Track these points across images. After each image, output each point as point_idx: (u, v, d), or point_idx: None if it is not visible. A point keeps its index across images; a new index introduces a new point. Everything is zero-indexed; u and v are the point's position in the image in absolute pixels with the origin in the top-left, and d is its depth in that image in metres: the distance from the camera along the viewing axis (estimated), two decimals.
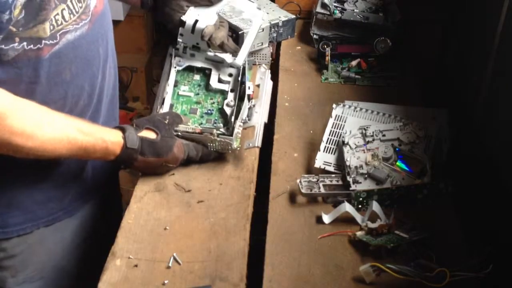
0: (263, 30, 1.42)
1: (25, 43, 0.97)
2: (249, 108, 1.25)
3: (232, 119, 1.19)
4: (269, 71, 1.34)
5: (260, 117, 1.26)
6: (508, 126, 1.23)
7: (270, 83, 1.34)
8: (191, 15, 1.26)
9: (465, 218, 1.11)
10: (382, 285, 0.94)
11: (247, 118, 1.24)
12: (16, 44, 0.96)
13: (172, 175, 1.17)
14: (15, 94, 0.97)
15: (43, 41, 0.99)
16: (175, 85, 1.28)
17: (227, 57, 1.26)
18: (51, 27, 0.99)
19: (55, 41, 1.01)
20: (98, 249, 1.08)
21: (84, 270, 1.25)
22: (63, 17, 1.01)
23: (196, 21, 1.24)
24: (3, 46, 0.95)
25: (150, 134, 1.12)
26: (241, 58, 1.26)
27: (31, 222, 1.15)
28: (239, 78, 1.24)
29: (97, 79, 1.15)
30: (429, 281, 0.92)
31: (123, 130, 1.09)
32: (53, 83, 1.04)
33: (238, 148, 1.19)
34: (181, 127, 1.20)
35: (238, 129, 1.18)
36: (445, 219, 1.09)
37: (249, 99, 1.24)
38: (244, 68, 1.25)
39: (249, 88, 1.24)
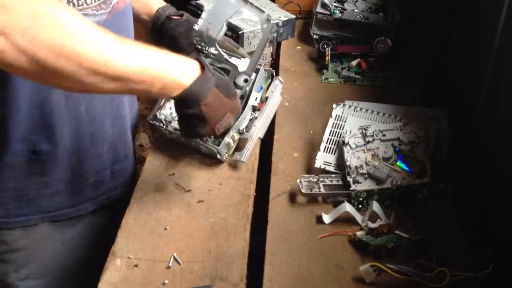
0: None
1: None
2: (250, 120, 1.20)
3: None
4: (281, 85, 1.27)
5: (255, 131, 1.21)
6: (508, 126, 1.22)
7: (278, 98, 1.27)
8: (203, 23, 1.20)
9: (465, 218, 1.11)
10: (382, 285, 0.94)
11: (245, 130, 1.19)
12: None
13: (172, 175, 1.18)
14: None
15: None
16: None
17: (240, 64, 1.21)
18: (71, 5, 0.99)
19: None
20: (106, 253, 1.06)
21: (90, 273, 1.22)
22: None
23: (207, 29, 1.19)
24: None
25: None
26: (250, 68, 1.20)
27: (36, 214, 1.13)
28: (247, 88, 1.20)
29: None
30: (429, 281, 0.92)
31: (198, 60, 1.02)
32: None
33: (225, 158, 1.19)
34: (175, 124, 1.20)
35: (230, 139, 1.16)
36: (445, 219, 1.09)
37: (254, 110, 1.20)
38: (254, 79, 1.21)
39: (256, 99, 1.20)
